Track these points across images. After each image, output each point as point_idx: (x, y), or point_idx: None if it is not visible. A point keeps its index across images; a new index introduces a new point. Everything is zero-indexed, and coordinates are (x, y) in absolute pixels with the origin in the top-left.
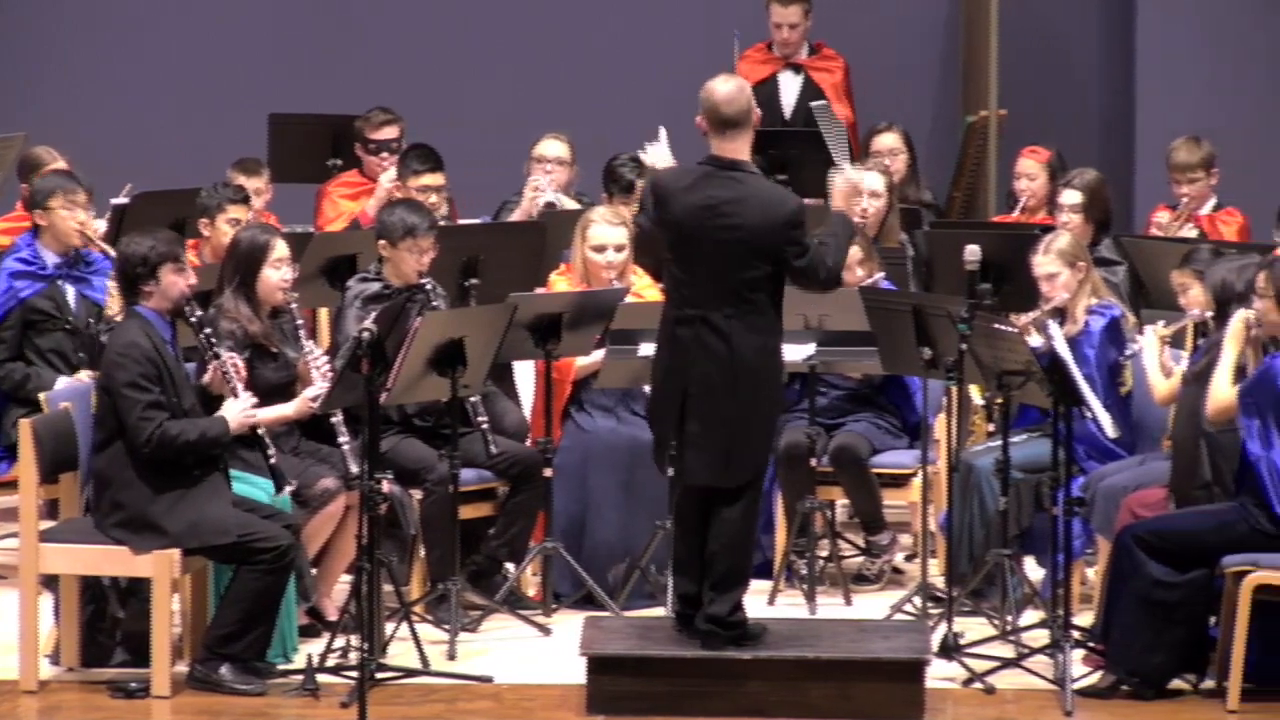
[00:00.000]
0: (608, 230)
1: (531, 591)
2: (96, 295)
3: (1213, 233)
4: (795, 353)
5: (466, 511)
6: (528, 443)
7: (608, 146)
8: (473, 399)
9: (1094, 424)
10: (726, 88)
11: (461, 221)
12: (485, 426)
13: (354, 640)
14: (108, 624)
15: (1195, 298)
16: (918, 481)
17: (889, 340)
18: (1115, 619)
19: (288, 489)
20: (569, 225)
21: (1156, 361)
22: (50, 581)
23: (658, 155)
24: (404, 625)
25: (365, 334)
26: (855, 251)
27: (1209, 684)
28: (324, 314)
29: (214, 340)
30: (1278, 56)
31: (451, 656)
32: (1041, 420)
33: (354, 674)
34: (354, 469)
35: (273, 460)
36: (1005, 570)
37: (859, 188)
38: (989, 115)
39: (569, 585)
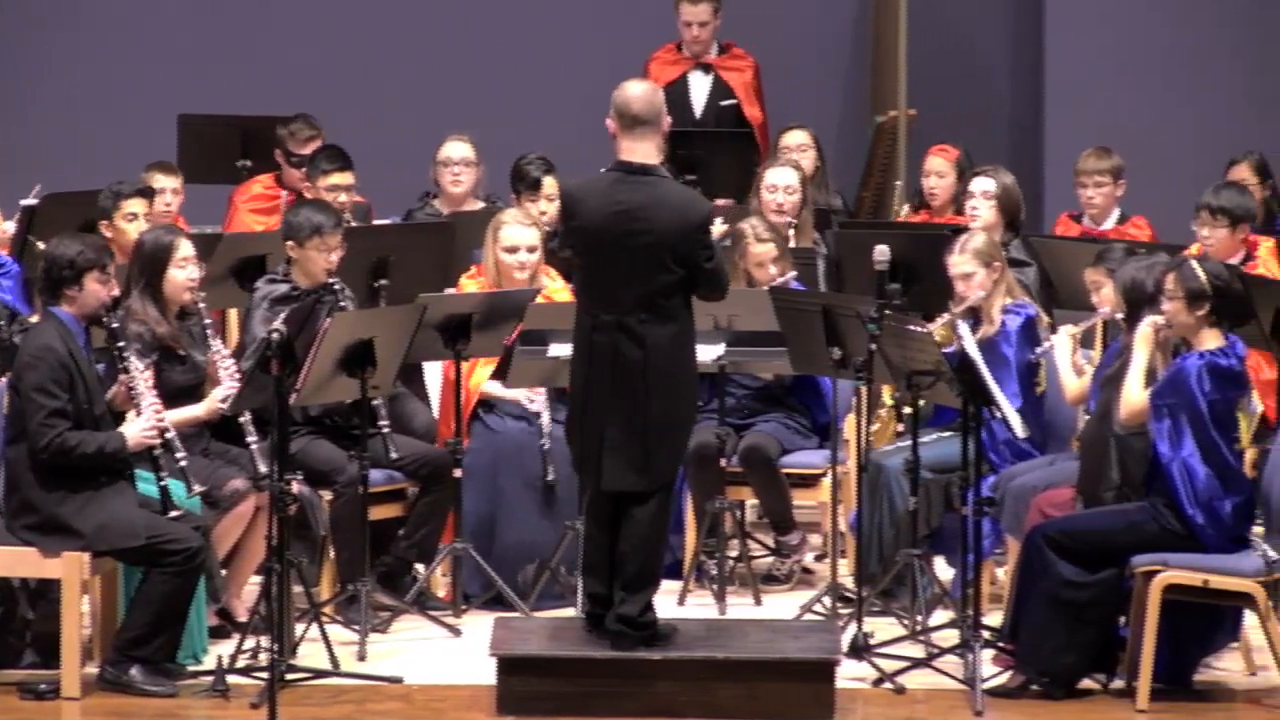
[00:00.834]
0: (520, 231)
1: (441, 592)
2: (4, 297)
3: None
4: (705, 353)
5: (376, 512)
6: (437, 444)
7: (514, 147)
8: (375, 401)
9: (1003, 424)
10: (638, 87)
11: (371, 223)
12: (386, 430)
13: (264, 641)
14: (17, 625)
15: (1107, 296)
16: (827, 481)
17: (798, 340)
18: (1025, 619)
19: (197, 489)
20: (478, 226)
21: (1068, 360)
22: None
23: None
24: (314, 626)
25: (274, 335)
26: (770, 249)
27: (1118, 684)
28: (234, 315)
29: (126, 355)
30: (1187, 58)
31: (361, 657)
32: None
33: (264, 675)
34: (263, 470)
35: (182, 462)
36: (915, 570)
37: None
38: (898, 115)
39: (479, 586)
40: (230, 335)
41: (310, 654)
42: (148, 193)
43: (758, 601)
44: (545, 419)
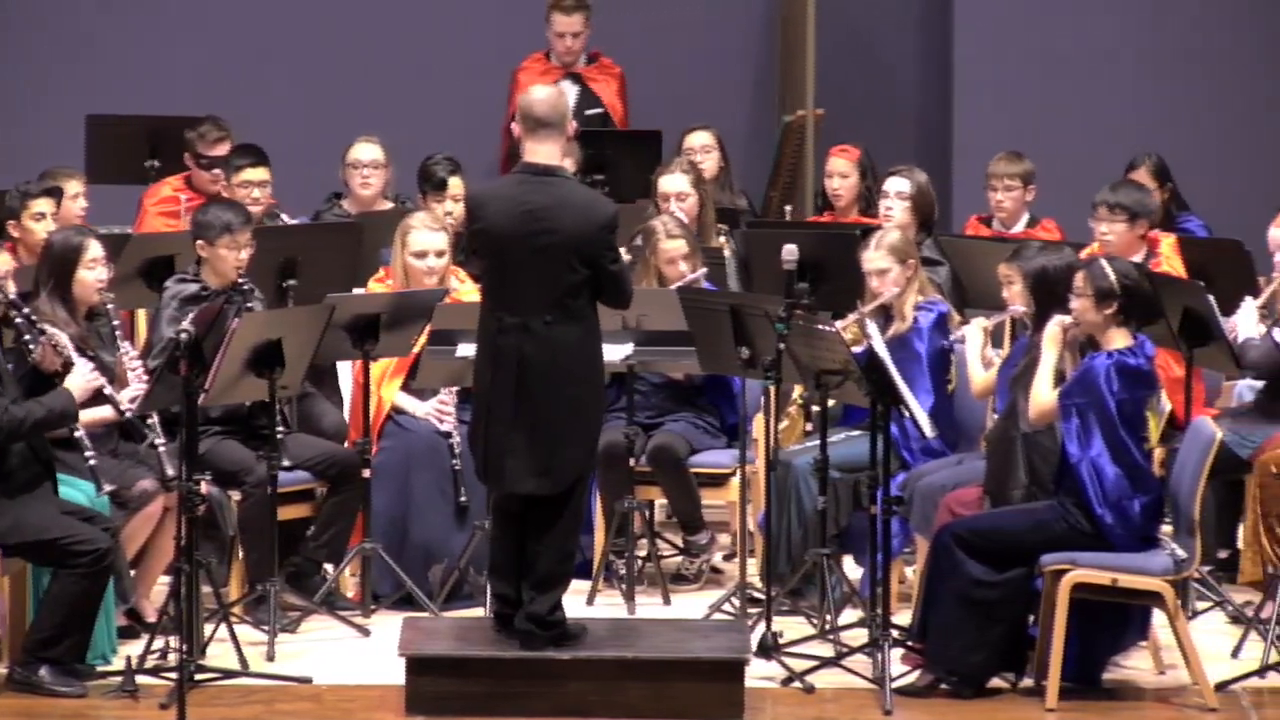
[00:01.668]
0: (428, 236)
1: (350, 592)
2: None
3: None
4: (613, 353)
5: (285, 512)
6: (346, 444)
7: (421, 148)
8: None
9: (911, 423)
10: (543, 90)
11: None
12: (282, 434)
13: (173, 641)
14: None
15: (1017, 293)
16: (736, 481)
17: (707, 340)
18: (934, 618)
19: (106, 489)
20: (387, 226)
21: (978, 353)
22: None
23: None
24: (223, 626)
25: (183, 335)
26: (681, 246)
27: (1027, 682)
28: (142, 315)
29: (35, 319)
30: (1096, 59)
31: (270, 657)
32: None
33: (173, 675)
34: (170, 471)
35: (91, 462)
36: (824, 569)
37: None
38: (806, 115)
39: (388, 586)
40: (139, 336)
41: (219, 654)
42: (55, 192)
43: (667, 601)
44: (456, 439)
